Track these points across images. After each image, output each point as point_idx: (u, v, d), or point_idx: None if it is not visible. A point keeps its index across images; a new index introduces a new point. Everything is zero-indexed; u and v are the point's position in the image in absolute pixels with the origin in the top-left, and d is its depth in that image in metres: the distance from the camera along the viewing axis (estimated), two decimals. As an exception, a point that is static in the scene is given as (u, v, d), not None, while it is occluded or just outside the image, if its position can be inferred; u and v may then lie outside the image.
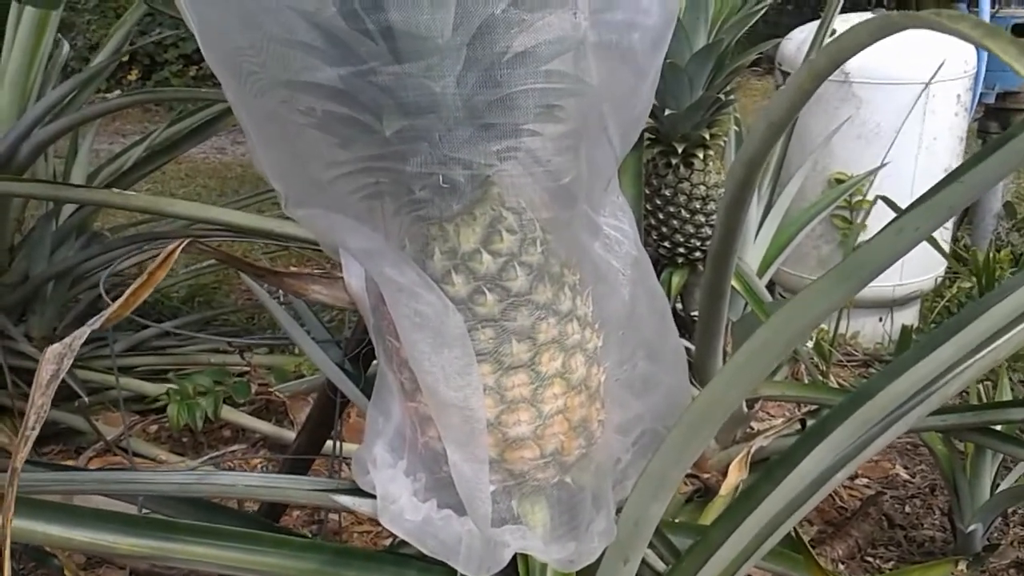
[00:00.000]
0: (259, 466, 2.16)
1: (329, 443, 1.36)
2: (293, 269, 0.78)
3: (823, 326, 2.55)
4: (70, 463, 2.13)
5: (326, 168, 0.71)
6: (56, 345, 0.59)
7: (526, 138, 0.69)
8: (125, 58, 6.53)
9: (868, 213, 2.46)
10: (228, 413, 2.21)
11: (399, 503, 0.82)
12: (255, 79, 0.68)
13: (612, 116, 0.73)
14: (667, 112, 1.43)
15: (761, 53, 1.52)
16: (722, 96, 1.42)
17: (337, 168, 0.70)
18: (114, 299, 0.69)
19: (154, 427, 2.29)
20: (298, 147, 0.72)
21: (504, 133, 0.67)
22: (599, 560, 0.84)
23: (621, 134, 0.75)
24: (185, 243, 0.68)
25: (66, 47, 2.35)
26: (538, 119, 0.68)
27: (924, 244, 1.97)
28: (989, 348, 0.76)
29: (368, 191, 0.72)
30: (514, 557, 0.84)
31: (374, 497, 0.83)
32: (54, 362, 0.58)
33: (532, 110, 0.67)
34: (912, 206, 0.61)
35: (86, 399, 2.01)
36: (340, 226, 0.73)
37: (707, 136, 1.47)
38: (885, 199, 2.02)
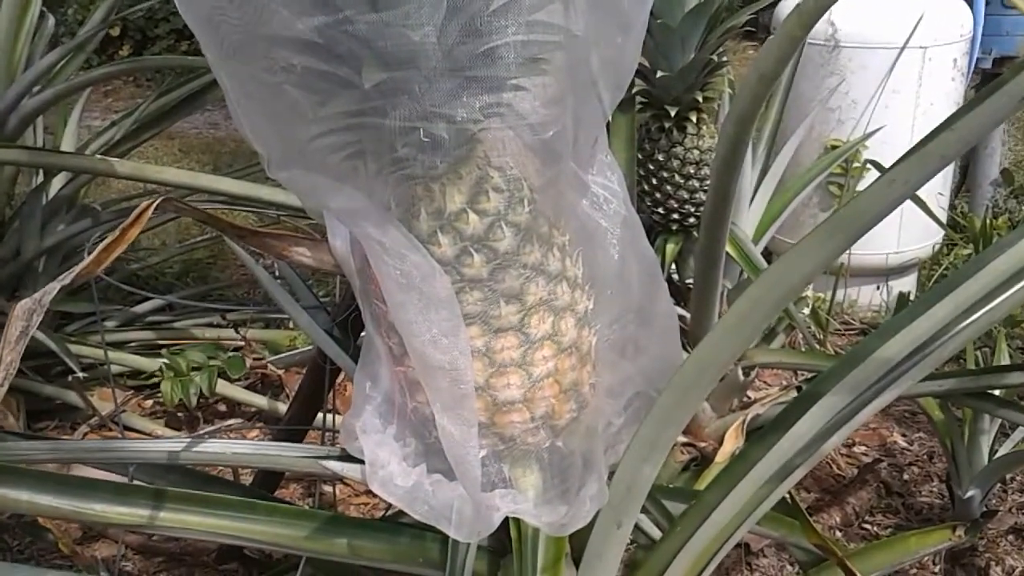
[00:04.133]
0: (255, 439, 2.15)
1: (322, 412, 1.35)
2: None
3: (820, 294, 2.54)
4: (65, 439, 2.12)
5: (306, 127, 0.69)
6: (26, 301, 0.58)
7: (511, 92, 0.67)
8: (116, 33, 6.48)
9: (860, 178, 2.44)
10: (223, 388, 2.20)
11: (388, 468, 0.81)
12: (232, 36, 0.66)
13: (599, 69, 0.71)
14: (659, 74, 1.41)
15: (755, 15, 1.50)
16: (715, 58, 1.40)
17: (317, 126, 0.68)
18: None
19: (149, 402, 2.29)
20: (278, 107, 0.70)
21: (488, 87, 0.65)
22: (592, 524, 0.83)
23: (609, 89, 0.73)
24: (160, 200, 0.66)
25: (51, 20, 2.32)
26: (523, 72, 0.66)
27: (921, 212, 1.96)
28: (986, 307, 0.74)
29: (350, 150, 0.70)
30: (507, 522, 0.83)
31: (364, 463, 0.82)
32: (23, 319, 0.57)
33: (517, 63, 0.65)
34: (903, 158, 0.60)
35: (80, 374, 2.00)
36: (322, 186, 0.72)
37: (700, 99, 1.45)
38: (874, 163, 2.00)
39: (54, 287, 0.58)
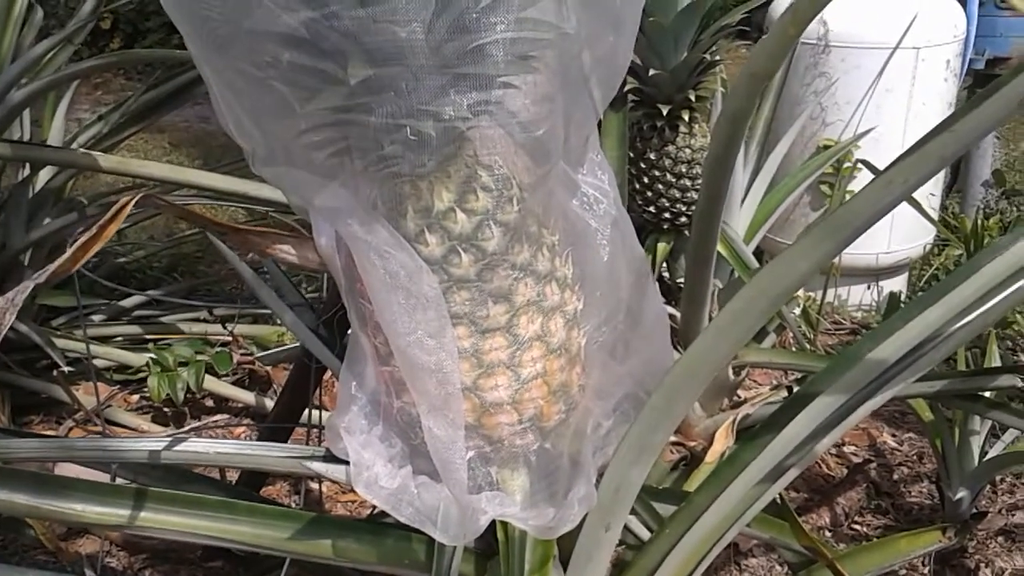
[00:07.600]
0: (242, 436, 2.14)
1: (308, 411, 1.34)
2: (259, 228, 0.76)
3: (810, 294, 2.53)
4: (50, 433, 2.10)
5: (292, 123, 0.68)
6: (-2, 300, 0.57)
7: (500, 90, 0.66)
8: (107, 26, 6.45)
9: (851, 178, 2.43)
10: (211, 383, 2.18)
11: (373, 470, 0.79)
12: (217, 30, 0.65)
13: (591, 68, 0.70)
14: (652, 72, 1.40)
15: (748, 14, 1.48)
16: (708, 57, 1.39)
17: (303, 122, 0.67)
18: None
19: (135, 397, 2.27)
20: (263, 102, 0.69)
21: (477, 84, 0.64)
22: (580, 526, 0.82)
23: (601, 87, 0.72)
24: (138, 196, 0.65)
25: (40, 12, 2.29)
26: (513, 70, 0.65)
27: (912, 211, 1.95)
28: (979, 310, 0.74)
29: (336, 147, 0.69)
30: (494, 523, 0.82)
31: (348, 464, 0.81)
32: (-5, 319, 0.56)
33: (506, 60, 0.64)
34: (901, 158, 0.59)
35: (65, 368, 1.98)
36: (307, 183, 0.70)
37: (693, 98, 1.44)
38: (865, 163, 2.00)
39: (27, 286, 0.57)
